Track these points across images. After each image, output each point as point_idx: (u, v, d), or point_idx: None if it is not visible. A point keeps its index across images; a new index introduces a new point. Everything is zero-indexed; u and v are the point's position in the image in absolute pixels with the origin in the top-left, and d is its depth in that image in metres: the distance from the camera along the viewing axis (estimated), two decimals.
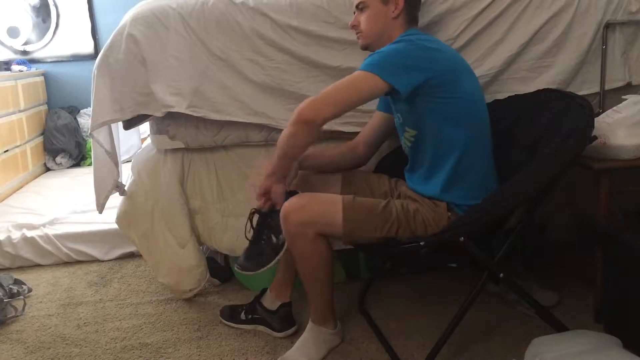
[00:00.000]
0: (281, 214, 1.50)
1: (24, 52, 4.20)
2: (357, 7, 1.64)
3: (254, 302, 1.84)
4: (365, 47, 1.67)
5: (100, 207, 1.99)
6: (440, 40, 1.64)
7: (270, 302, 1.80)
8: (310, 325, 1.66)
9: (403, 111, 1.58)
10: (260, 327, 1.80)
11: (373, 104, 1.81)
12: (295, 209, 1.49)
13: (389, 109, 1.73)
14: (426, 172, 1.58)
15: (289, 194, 1.59)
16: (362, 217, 1.49)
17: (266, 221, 1.63)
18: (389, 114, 1.74)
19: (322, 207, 1.51)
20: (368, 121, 1.80)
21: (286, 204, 1.50)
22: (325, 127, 1.88)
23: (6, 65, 3.84)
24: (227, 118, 1.85)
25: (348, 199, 1.52)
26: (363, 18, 1.62)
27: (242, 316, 1.83)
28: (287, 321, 1.78)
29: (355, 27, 1.65)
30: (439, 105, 1.49)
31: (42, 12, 4.18)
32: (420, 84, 1.45)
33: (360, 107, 1.87)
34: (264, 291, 1.84)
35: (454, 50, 1.67)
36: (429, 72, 1.46)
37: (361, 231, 1.49)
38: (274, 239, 1.61)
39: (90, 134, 1.90)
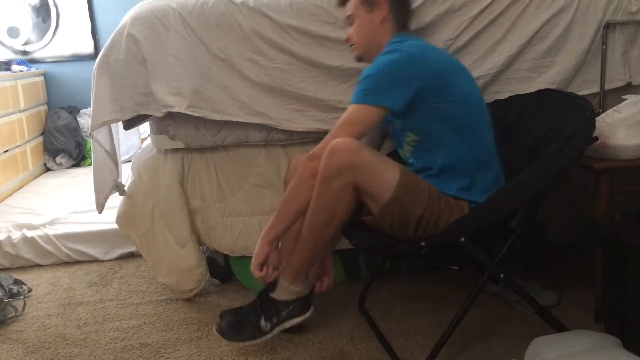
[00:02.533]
0: (328, 149, 1.41)
1: (24, 52, 4.20)
2: (347, 20, 1.68)
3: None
4: (359, 59, 1.69)
5: (100, 207, 1.98)
6: (428, 45, 1.63)
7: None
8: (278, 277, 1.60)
9: (401, 118, 1.57)
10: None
11: None
12: (347, 149, 1.41)
13: None
14: (437, 173, 1.55)
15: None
16: (413, 186, 1.45)
17: (266, 297, 1.61)
18: None
19: (377, 160, 1.45)
20: None
21: (338, 140, 1.42)
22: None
23: (6, 65, 3.84)
24: (227, 118, 1.85)
25: (404, 167, 1.48)
26: (353, 30, 1.66)
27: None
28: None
29: (348, 40, 1.69)
30: (436, 110, 1.49)
31: (42, 12, 4.18)
32: (413, 94, 1.46)
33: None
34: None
35: (444, 52, 1.65)
36: (419, 81, 1.46)
37: (407, 201, 1.43)
38: (262, 321, 1.60)
39: (90, 134, 1.90)
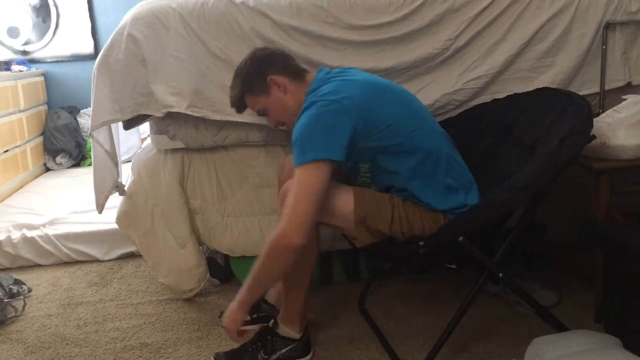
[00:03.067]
0: (281, 192, 1.43)
1: (24, 52, 4.20)
2: (260, 114, 1.61)
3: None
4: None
5: (100, 207, 1.98)
6: (342, 81, 1.49)
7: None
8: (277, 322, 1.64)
9: (350, 160, 1.51)
10: None
11: None
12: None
13: None
14: (400, 190, 1.52)
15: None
16: (373, 204, 1.46)
17: (267, 334, 1.62)
18: None
19: (330, 192, 1.45)
20: None
21: (289, 183, 1.43)
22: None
23: (6, 65, 3.84)
24: (227, 118, 1.85)
25: (357, 187, 1.49)
26: (273, 116, 1.59)
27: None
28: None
29: (276, 125, 1.63)
30: (375, 142, 1.46)
31: (42, 12, 4.18)
32: (350, 138, 1.41)
33: None
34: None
35: (362, 80, 1.50)
36: (349, 124, 1.40)
37: (371, 219, 1.46)
38: (260, 354, 1.60)
39: (90, 134, 1.91)
